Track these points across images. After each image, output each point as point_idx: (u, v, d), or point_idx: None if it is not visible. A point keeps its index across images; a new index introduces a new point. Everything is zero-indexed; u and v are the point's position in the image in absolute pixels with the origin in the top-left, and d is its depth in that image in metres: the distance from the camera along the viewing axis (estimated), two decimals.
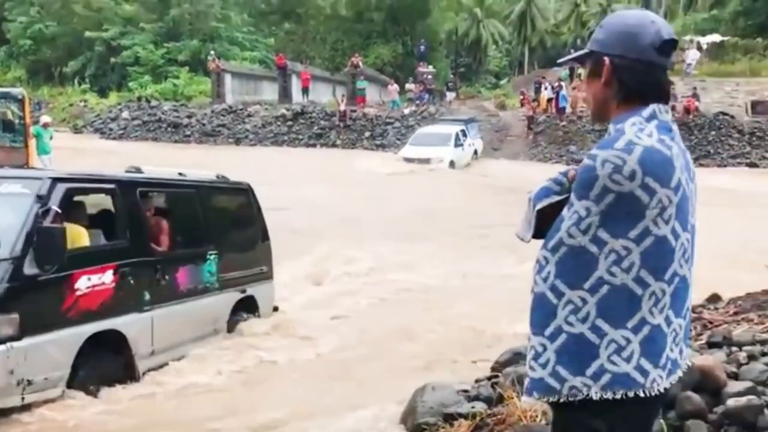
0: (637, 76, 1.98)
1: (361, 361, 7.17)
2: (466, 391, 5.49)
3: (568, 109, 31.87)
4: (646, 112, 1.97)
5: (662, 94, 2.02)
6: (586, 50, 2.10)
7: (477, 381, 5.65)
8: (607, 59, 2.00)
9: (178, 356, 6.72)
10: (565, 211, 1.95)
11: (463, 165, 26.01)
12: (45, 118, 19.44)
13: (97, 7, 43.22)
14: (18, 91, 18.26)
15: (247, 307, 7.99)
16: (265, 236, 8.55)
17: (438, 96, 39.08)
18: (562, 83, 33.39)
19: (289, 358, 7.15)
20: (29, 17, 44.39)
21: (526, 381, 2.01)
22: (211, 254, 7.41)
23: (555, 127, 31.21)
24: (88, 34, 42.20)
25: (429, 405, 5.07)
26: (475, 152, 28.04)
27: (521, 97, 35.55)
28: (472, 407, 4.68)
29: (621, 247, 1.88)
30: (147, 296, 6.38)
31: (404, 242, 12.68)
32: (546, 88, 33.29)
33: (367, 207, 16.03)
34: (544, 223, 2.06)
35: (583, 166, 1.94)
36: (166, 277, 6.71)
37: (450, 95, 38.10)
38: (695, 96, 31.03)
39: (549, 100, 32.80)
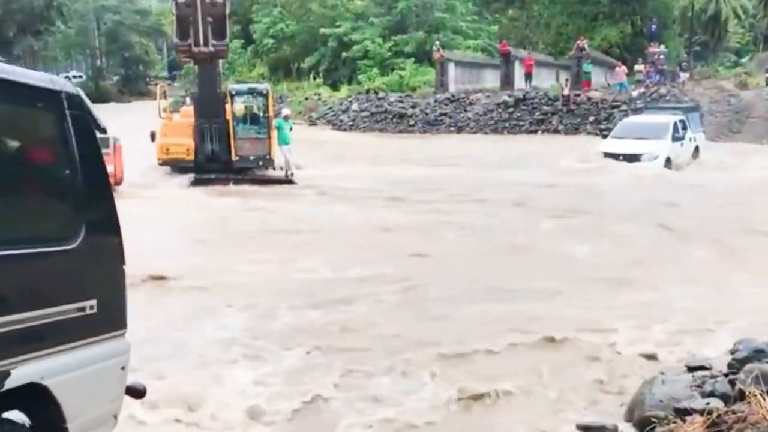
0: None
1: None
2: (699, 386, 5.28)
3: None
4: None
5: None
6: None
7: (713, 377, 5.39)
8: None
9: None
10: None
11: (682, 164, 20.66)
12: (285, 111, 21.03)
13: (332, 4, 45.76)
14: (264, 86, 19.96)
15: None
16: (110, 225, 3.63)
17: (670, 77, 36.79)
18: None
19: None
20: (272, 18, 48.05)
21: None
22: None
23: None
24: (322, 30, 44.85)
25: (658, 398, 4.93)
26: (696, 149, 22.19)
27: (767, 74, 32.48)
28: (707, 403, 4.50)
29: None
30: None
31: None
32: None
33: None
34: None
35: None
36: None
37: (683, 75, 35.70)
38: None
39: None
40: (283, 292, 8.47)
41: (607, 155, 20.12)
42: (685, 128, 21.25)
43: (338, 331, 7.27)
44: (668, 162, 19.79)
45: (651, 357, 6.39)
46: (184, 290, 8.63)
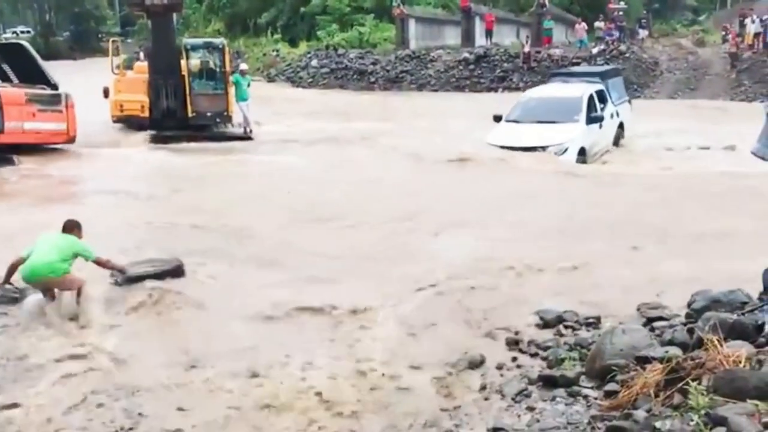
0: None
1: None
2: (658, 335, 5.34)
3: None
4: None
5: None
6: None
7: (671, 326, 5.45)
8: None
9: None
10: None
11: (598, 154, 15.02)
12: (243, 66, 20.57)
13: None
14: (219, 41, 19.49)
15: None
16: None
17: (629, 34, 36.92)
18: None
19: None
20: None
21: None
22: None
23: (762, 65, 28.51)
24: None
25: (618, 347, 4.97)
26: (621, 128, 16.60)
27: (723, 32, 32.81)
28: (666, 351, 4.54)
29: None
30: None
31: None
32: (753, 22, 30.31)
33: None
34: None
35: None
36: None
37: (642, 33, 35.90)
38: None
39: (756, 35, 29.89)
40: None
41: (504, 148, 14.15)
42: (604, 101, 15.64)
43: None
44: (582, 154, 14.12)
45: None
46: None
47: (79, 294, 6.62)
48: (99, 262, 6.90)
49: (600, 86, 15.96)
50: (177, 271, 7.40)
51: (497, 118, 15.32)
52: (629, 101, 17.94)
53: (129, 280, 7.07)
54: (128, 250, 8.03)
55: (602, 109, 15.33)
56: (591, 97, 15.14)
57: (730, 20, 36.42)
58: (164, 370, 5.45)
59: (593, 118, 14.72)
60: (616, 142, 16.30)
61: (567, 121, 14.41)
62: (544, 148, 13.81)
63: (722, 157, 15.06)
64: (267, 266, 7.93)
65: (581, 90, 15.48)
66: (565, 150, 13.81)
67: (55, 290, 6.67)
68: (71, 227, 6.92)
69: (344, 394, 5.04)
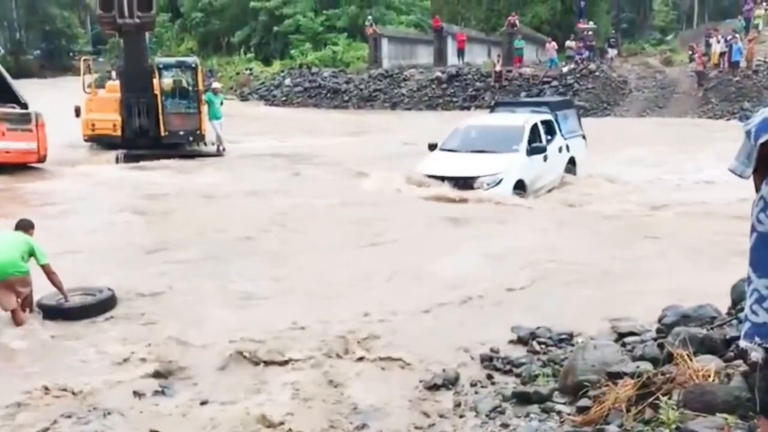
0: None
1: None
2: (629, 350, 5.40)
3: (743, 63, 29.63)
4: None
5: None
6: None
7: (642, 342, 5.52)
8: None
9: None
10: None
11: (542, 189, 13.51)
12: (215, 84, 20.60)
13: None
14: (192, 60, 19.50)
15: None
16: None
17: (599, 53, 37.54)
18: (737, 35, 30.98)
19: None
20: None
21: (746, 326, 1.89)
22: None
23: (728, 83, 29.11)
24: (252, 4, 44.02)
25: (590, 363, 5.01)
26: (572, 163, 14.93)
27: (690, 51, 33.49)
28: (638, 366, 4.58)
29: None
30: None
31: None
32: (718, 42, 31.00)
33: None
34: (763, 157, 1.89)
35: None
36: None
37: (612, 52, 36.52)
38: None
39: (721, 54, 30.55)
40: None
41: (434, 178, 12.92)
42: (552, 132, 14.24)
43: None
44: (521, 186, 12.79)
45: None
46: None
47: (27, 300, 6.53)
48: (48, 270, 6.62)
49: (548, 116, 14.51)
50: (109, 303, 7.04)
51: (432, 147, 13.98)
52: (583, 136, 15.74)
53: (56, 313, 6.71)
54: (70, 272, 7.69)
55: (549, 141, 13.88)
56: (535, 127, 13.71)
57: (696, 40, 37.15)
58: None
59: (536, 149, 13.23)
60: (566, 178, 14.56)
61: (505, 151, 13.09)
62: (474, 178, 12.51)
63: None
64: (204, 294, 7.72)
65: (524, 119, 14.08)
66: (499, 182, 12.46)
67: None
68: (26, 226, 6.80)
69: (315, 417, 5.00)
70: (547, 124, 14.19)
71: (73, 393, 5.28)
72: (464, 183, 12.49)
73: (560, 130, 14.54)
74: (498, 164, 12.76)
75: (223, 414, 4.97)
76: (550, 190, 13.68)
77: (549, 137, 13.98)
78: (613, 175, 15.26)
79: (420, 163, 13.60)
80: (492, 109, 16.27)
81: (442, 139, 14.09)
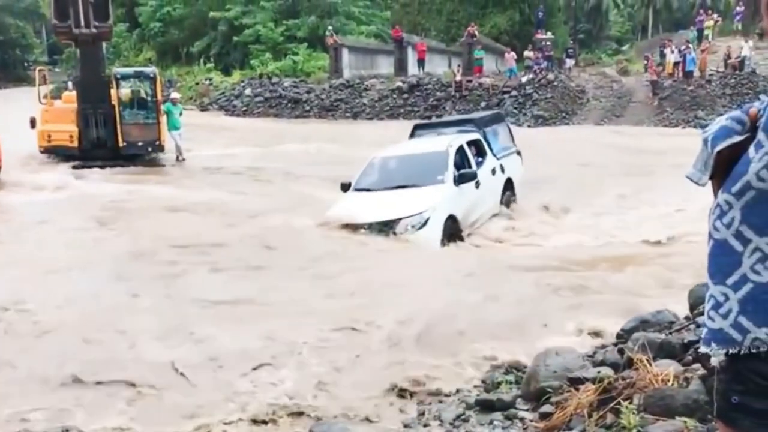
0: None
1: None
2: (590, 356, 5.45)
3: (696, 73, 30.33)
4: None
5: None
6: None
7: (603, 347, 5.58)
8: None
9: None
10: (751, 152, 1.78)
11: (479, 221, 11.54)
12: (174, 95, 20.39)
13: None
14: (150, 70, 19.29)
15: None
16: None
17: (557, 63, 38.08)
18: (690, 45, 31.74)
19: None
20: (158, 1, 46.41)
21: (704, 331, 1.91)
22: None
23: (682, 92, 29.72)
24: (212, 14, 43.71)
25: (552, 369, 5.05)
26: (510, 186, 12.97)
27: (645, 61, 34.19)
28: (599, 372, 4.63)
29: None
30: None
31: None
32: (672, 52, 31.73)
33: None
34: (720, 164, 1.92)
35: None
36: None
37: (569, 62, 37.11)
38: None
39: (675, 64, 31.26)
40: None
41: (347, 226, 10.41)
42: (482, 154, 12.37)
43: None
44: (453, 222, 10.59)
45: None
46: None
47: None
48: None
49: (475, 135, 12.49)
50: None
51: (345, 187, 11.54)
52: (518, 153, 13.89)
53: None
54: None
55: (480, 164, 11.95)
56: (461, 150, 11.62)
57: (651, 50, 37.94)
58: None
59: (465, 176, 11.05)
60: (507, 204, 12.57)
61: (429, 183, 10.86)
62: (395, 221, 10.16)
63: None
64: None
65: (447, 142, 11.78)
66: (425, 222, 10.16)
67: None
68: None
69: (280, 428, 4.96)
70: (475, 144, 12.30)
71: None
72: (385, 228, 10.15)
73: (491, 149, 12.66)
74: (422, 201, 10.45)
75: None
76: (486, 221, 11.72)
77: (479, 159, 12.10)
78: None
79: (332, 207, 11.19)
80: (411, 134, 13.59)
81: (356, 176, 11.63)
